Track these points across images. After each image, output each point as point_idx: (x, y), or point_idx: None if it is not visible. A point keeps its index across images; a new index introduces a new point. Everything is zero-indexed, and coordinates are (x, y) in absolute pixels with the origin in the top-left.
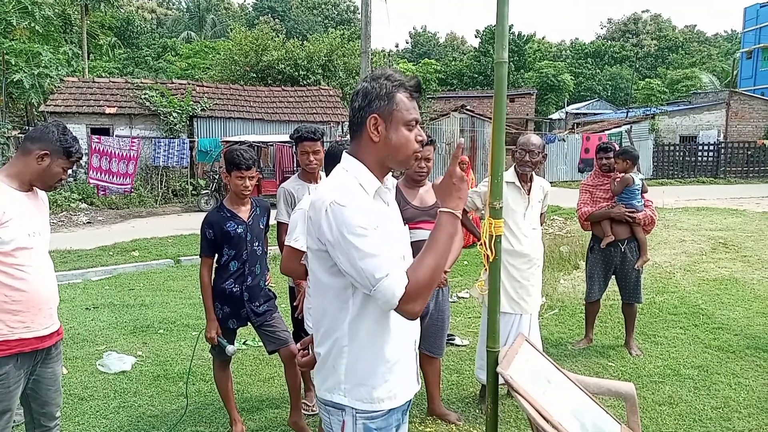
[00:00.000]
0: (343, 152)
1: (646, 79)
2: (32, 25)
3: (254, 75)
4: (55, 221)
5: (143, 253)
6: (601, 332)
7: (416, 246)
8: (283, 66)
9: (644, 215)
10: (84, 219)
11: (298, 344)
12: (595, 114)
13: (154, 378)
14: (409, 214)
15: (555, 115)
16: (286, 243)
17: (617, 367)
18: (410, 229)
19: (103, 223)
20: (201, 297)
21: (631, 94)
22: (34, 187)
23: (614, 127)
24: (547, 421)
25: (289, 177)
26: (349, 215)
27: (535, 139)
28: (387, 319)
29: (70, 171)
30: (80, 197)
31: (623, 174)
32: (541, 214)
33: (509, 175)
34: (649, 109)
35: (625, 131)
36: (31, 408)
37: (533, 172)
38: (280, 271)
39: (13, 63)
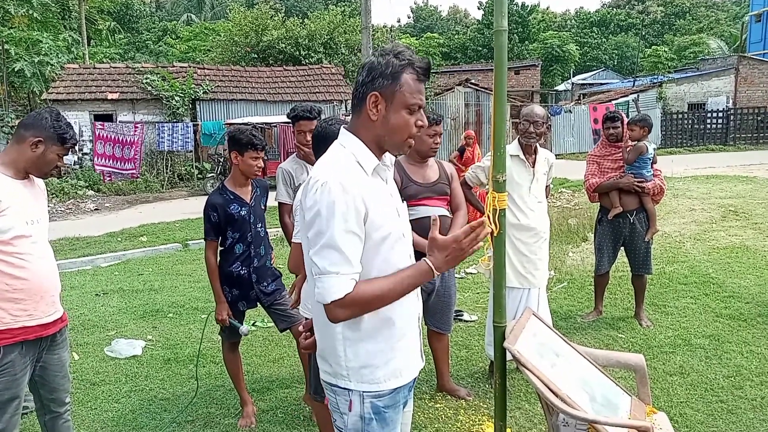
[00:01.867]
0: (341, 128)
1: (653, 47)
2: (30, 12)
3: (255, 55)
4: (62, 209)
5: (151, 238)
6: (610, 304)
7: (419, 223)
8: (284, 45)
9: (653, 185)
10: (91, 206)
11: (301, 326)
12: (601, 84)
13: (165, 361)
14: (412, 191)
15: (561, 87)
16: (294, 240)
17: (627, 338)
18: (413, 206)
19: (110, 210)
20: (209, 280)
21: (637, 63)
22: (30, 175)
23: (621, 97)
24: (556, 394)
25: None
26: (337, 199)
27: (538, 109)
28: None
29: (67, 157)
30: (87, 184)
31: (636, 142)
32: (547, 186)
33: (513, 147)
34: (656, 77)
35: (632, 100)
36: (40, 394)
37: (537, 144)
38: (288, 269)
39: (13, 52)
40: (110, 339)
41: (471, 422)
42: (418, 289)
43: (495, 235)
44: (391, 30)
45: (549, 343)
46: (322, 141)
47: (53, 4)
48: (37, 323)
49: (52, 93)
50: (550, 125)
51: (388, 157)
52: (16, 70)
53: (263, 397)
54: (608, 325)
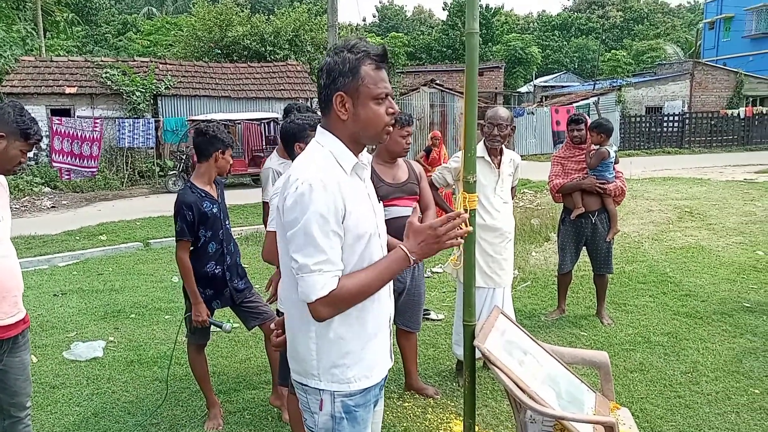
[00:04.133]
0: (318, 126)
1: (612, 51)
2: None
3: (219, 51)
4: (18, 206)
5: (111, 237)
6: (573, 302)
7: (391, 223)
8: (249, 42)
9: (615, 186)
10: (48, 203)
11: (272, 324)
12: (563, 86)
13: (128, 363)
14: (384, 191)
15: (523, 89)
16: (268, 229)
17: (589, 336)
18: (385, 206)
19: (68, 207)
20: (173, 280)
21: (597, 66)
22: None
23: (582, 100)
24: (524, 391)
25: (258, 156)
26: (316, 198)
27: (502, 111)
28: None
29: (30, 153)
30: (43, 181)
31: (598, 147)
32: (513, 187)
33: (479, 149)
34: (615, 80)
35: (593, 103)
36: (0, 399)
37: (503, 146)
38: (262, 257)
39: None
40: (70, 341)
41: (439, 420)
42: (391, 290)
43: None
44: (356, 29)
45: (517, 341)
46: (288, 138)
47: None
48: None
49: (6, 86)
50: (515, 127)
51: (366, 156)
52: None
53: (230, 398)
54: (571, 324)
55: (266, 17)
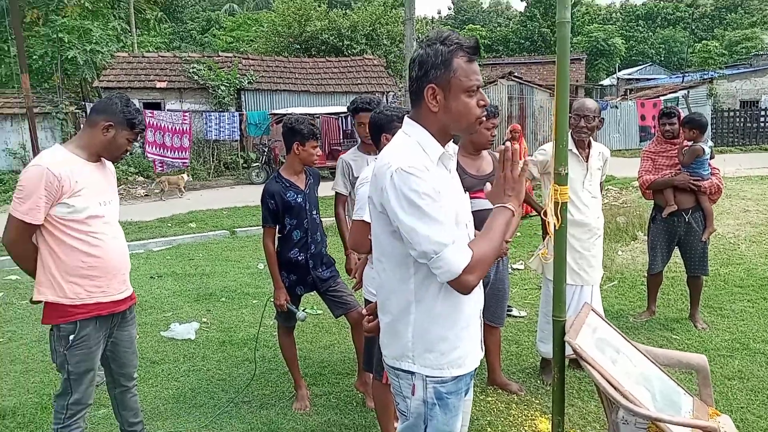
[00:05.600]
0: (405, 117)
1: (703, 42)
2: (82, 1)
3: (298, 46)
4: None
5: (200, 225)
6: (663, 304)
7: (476, 216)
8: (326, 36)
9: (710, 184)
10: (141, 192)
11: (365, 309)
12: (648, 79)
13: (220, 343)
14: (468, 183)
15: (606, 81)
16: (354, 217)
17: (682, 340)
18: (469, 198)
19: (159, 196)
20: (259, 266)
21: (686, 58)
22: (102, 158)
23: (670, 93)
24: (618, 390)
25: (336, 149)
26: (416, 182)
27: (590, 103)
28: (447, 289)
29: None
30: (137, 170)
31: (692, 144)
32: (600, 182)
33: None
34: (706, 73)
35: (682, 96)
36: (111, 369)
37: (591, 138)
38: (348, 245)
39: (66, 40)
40: (167, 320)
41: (523, 417)
42: (481, 284)
43: (557, 228)
44: (432, 22)
45: (609, 339)
46: (375, 129)
47: None
48: (110, 299)
49: (103, 81)
50: (603, 119)
51: (451, 147)
52: (69, 57)
53: (316, 382)
54: (662, 326)
55: (343, 12)
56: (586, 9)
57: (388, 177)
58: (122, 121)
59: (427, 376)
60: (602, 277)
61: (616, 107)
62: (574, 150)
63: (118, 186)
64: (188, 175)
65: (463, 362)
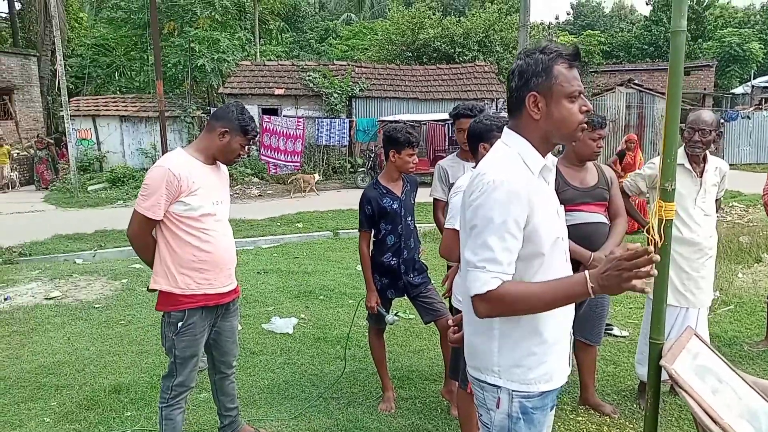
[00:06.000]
0: (504, 127)
1: None
2: (213, 14)
3: (410, 54)
4: (231, 193)
5: (306, 225)
6: None
7: (575, 229)
8: (439, 43)
9: None
10: (255, 192)
11: (450, 320)
12: None
13: (315, 340)
14: (569, 195)
15: (738, 90)
16: (446, 226)
17: None
18: (569, 211)
19: (271, 197)
20: (357, 268)
21: None
22: (217, 161)
23: None
24: (716, 422)
25: (440, 156)
26: (500, 198)
27: (706, 115)
28: None
29: (250, 147)
30: (252, 172)
31: None
32: (717, 199)
33: (679, 155)
34: None
35: None
36: (213, 356)
37: (707, 152)
38: (440, 253)
39: (197, 50)
40: (269, 314)
41: None
42: None
43: (659, 246)
44: (549, 27)
45: (711, 366)
46: (473, 137)
47: (232, 7)
48: (216, 292)
49: (227, 87)
50: (721, 132)
51: (551, 159)
52: (198, 65)
53: (403, 385)
54: None
55: (457, 19)
56: (720, 12)
57: (478, 187)
58: (237, 128)
59: (513, 391)
60: (717, 301)
61: (749, 117)
62: (687, 165)
63: (234, 186)
64: (319, 174)
65: (551, 377)
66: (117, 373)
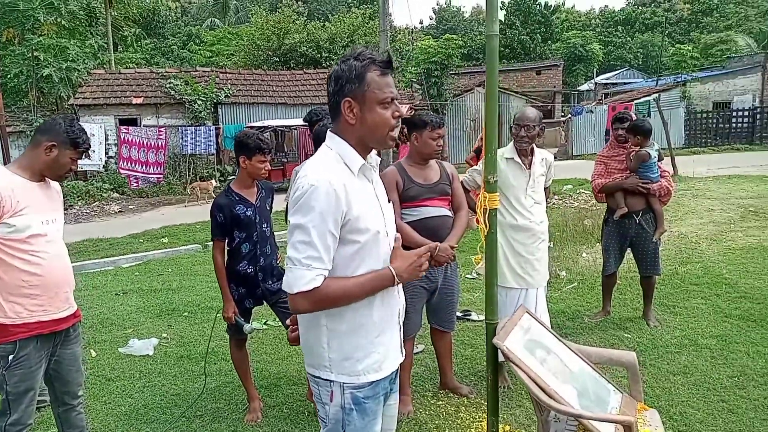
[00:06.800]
0: (328, 130)
1: (677, 45)
2: (58, 20)
3: (277, 59)
4: (88, 211)
5: (172, 240)
6: (619, 304)
7: (422, 223)
8: (305, 48)
9: (659, 186)
10: (116, 208)
11: (288, 320)
12: (625, 83)
13: (178, 358)
14: (414, 192)
15: (584, 87)
16: None
17: (634, 338)
18: (415, 206)
19: (134, 212)
20: (216, 279)
21: (660, 62)
22: (46, 178)
23: (643, 97)
24: (543, 390)
25: None
26: (320, 198)
27: (530, 112)
28: None
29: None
30: (112, 187)
31: (638, 149)
32: (546, 188)
33: (508, 150)
34: (680, 76)
35: (653, 100)
36: (54, 387)
37: (534, 146)
38: None
39: (42, 58)
40: (127, 337)
41: (471, 419)
42: (400, 285)
43: (486, 234)
44: (412, 32)
45: (541, 339)
46: (319, 142)
47: (80, 12)
48: (52, 318)
49: (78, 98)
50: (544, 127)
51: (374, 158)
52: (44, 76)
53: (271, 393)
54: (616, 326)
55: (322, 24)
56: (566, 16)
57: (299, 187)
58: (66, 141)
59: (344, 383)
60: (563, 279)
61: (592, 112)
62: (516, 159)
63: (92, 204)
64: (216, 181)
65: (380, 367)
66: None
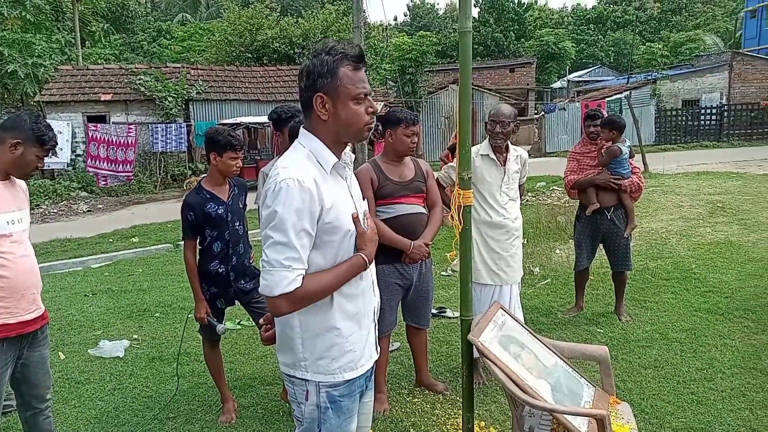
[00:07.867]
0: (301, 127)
1: (647, 44)
2: (23, 14)
3: (249, 55)
4: (55, 211)
5: (143, 239)
6: (592, 299)
7: (396, 221)
8: (278, 44)
9: (630, 182)
10: (84, 207)
11: (261, 320)
12: (597, 81)
13: (150, 360)
14: (390, 189)
15: (556, 84)
16: None
17: (606, 333)
18: (391, 204)
19: (103, 211)
20: (188, 278)
21: (631, 60)
22: (11, 176)
23: (615, 94)
24: (517, 384)
25: None
26: (293, 197)
27: (505, 109)
28: (336, 293)
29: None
30: (80, 186)
31: (610, 144)
32: (521, 185)
33: (483, 147)
34: (650, 73)
35: (624, 97)
36: (21, 391)
37: (509, 143)
38: None
39: (6, 54)
40: (97, 339)
41: (447, 415)
42: (375, 284)
43: (460, 231)
44: (386, 29)
45: (515, 335)
46: (293, 139)
47: (46, 6)
48: (18, 320)
49: (45, 95)
50: (518, 124)
51: (348, 155)
52: (9, 72)
53: (245, 393)
54: (588, 321)
55: (295, 20)
56: (539, 14)
57: (272, 187)
58: (31, 138)
59: (320, 382)
60: (537, 276)
61: (564, 109)
62: (491, 155)
63: (59, 203)
64: None
65: (356, 365)
66: None
